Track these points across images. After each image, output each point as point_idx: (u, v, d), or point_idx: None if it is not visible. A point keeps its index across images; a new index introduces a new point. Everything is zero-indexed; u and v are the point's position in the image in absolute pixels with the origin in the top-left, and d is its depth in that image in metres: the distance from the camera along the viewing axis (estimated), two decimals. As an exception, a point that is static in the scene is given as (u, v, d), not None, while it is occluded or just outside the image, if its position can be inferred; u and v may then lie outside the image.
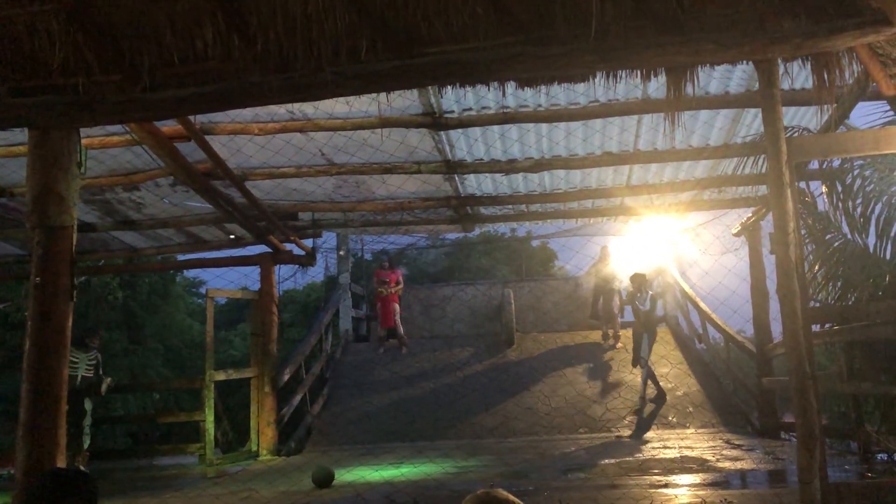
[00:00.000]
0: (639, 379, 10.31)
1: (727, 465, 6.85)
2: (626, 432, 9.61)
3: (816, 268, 7.05)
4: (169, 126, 6.70)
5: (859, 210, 6.49)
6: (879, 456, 6.72)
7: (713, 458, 7.20)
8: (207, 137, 7.26)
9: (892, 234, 6.31)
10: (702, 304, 11.33)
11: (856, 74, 5.05)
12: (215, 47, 4.85)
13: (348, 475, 7.35)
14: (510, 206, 9.37)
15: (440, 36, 4.84)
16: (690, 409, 10.29)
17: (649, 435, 9.43)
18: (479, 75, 4.88)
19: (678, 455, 7.54)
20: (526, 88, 5.58)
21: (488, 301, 13.78)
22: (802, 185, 7.16)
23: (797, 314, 4.59)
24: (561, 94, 6.46)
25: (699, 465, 6.88)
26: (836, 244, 6.91)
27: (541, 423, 10.23)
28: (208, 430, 9.06)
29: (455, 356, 12.47)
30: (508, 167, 7.97)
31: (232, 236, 9.85)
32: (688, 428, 9.79)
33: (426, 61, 4.84)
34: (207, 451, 9.03)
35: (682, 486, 5.85)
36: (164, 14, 4.79)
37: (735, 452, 7.63)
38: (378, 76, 4.82)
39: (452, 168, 8.01)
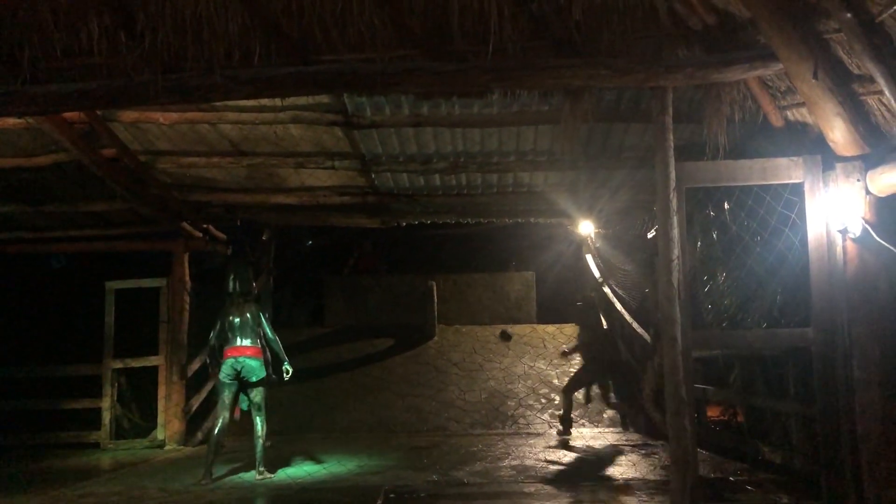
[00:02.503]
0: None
1: (621, 471, 6.98)
2: (547, 430, 9.74)
3: (728, 290, 7.18)
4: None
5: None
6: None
7: (613, 463, 7.32)
8: (110, 124, 7.05)
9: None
10: (617, 305, 11.46)
11: (748, 105, 5.14)
12: (101, 42, 4.68)
13: (249, 474, 7.27)
14: (428, 203, 9.32)
15: (336, 44, 4.77)
16: (603, 408, 10.46)
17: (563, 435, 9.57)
18: (375, 87, 4.83)
19: (578, 457, 7.67)
20: (435, 95, 5.54)
21: (411, 292, 13.72)
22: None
23: (677, 341, 4.69)
24: (475, 101, 6.41)
25: (595, 470, 7.01)
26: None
27: (456, 417, 10.30)
28: (104, 418, 8.93)
29: (375, 346, 12.45)
30: (423, 168, 7.93)
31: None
32: (597, 427, 9.97)
33: (321, 69, 4.77)
34: (102, 441, 8.93)
35: (566, 495, 5.99)
36: (45, 3, 4.60)
37: (634, 457, 7.76)
38: (271, 82, 4.72)
39: (367, 165, 7.93)
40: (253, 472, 7.06)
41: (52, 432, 9.58)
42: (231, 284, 7.32)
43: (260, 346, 7.13)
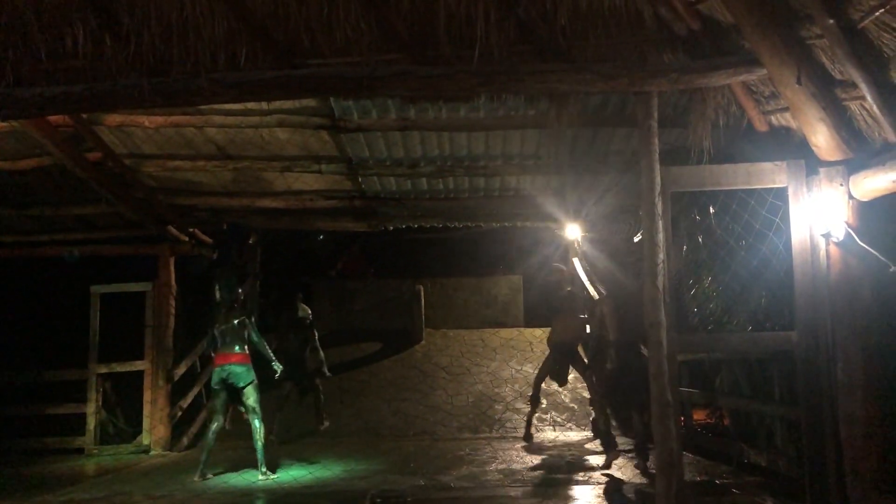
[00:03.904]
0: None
1: (607, 475, 6.99)
2: (534, 434, 9.72)
3: (714, 294, 7.23)
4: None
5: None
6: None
7: (601, 467, 7.33)
8: (96, 127, 7.02)
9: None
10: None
11: (733, 110, 5.17)
12: (86, 45, 4.66)
13: (235, 477, 7.26)
14: (416, 207, 9.32)
15: (323, 48, 4.78)
16: (591, 410, 10.47)
17: (549, 436, 9.57)
18: (362, 91, 4.82)
19: (566, 463, 7.67)
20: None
21: (398, 296, 13.72)
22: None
23: (662, 345, 4.71)
24: (461, 105, 6.41)
25: (583, 475, 7.01)
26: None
27: (443, 421, 10.30)
28: (88, 423, 8.94)
29: (362, 351, 12.44)
30: (411, 172, 7.93)
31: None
32: (584, 430, 9.97)
33: (308, 73, 4.77)
34: (87, 446, 8.94)
35: (553, 499, 6.00)
36: (28, 6, 4.57)
37: (621, 461, 7.76)
38: (258, 85, 4.70)
39: (354, 169, 7.93)
40: (250, 473, 7.20)
41: (36, 438, 9.49)
42: (216, 294, 7.48)
43: (246, 352, 7.30)
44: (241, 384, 7.16)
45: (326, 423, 9.59)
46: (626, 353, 6.84)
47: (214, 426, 7.25)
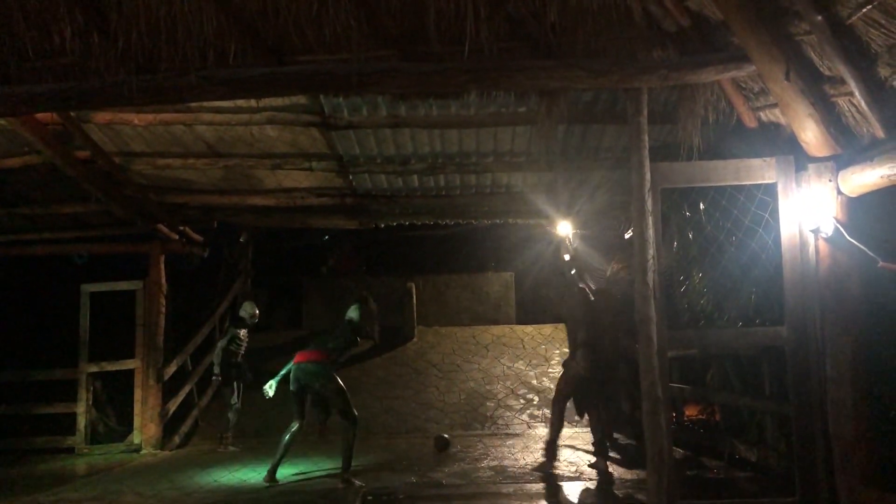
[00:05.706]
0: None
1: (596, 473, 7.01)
2: (525, 431, 9.74)
3: (705, 290, 7.24)
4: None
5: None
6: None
7: (589, 465, 7.36)
8: (85, 125, 6.98)
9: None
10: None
11: (722, 106, 5.18)
12: (74, 43, 4.64)
13: (226, 476, 7.25)
14: (407, 204, 9.30)
15: (312, 45, 4.78)
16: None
17: (541, 433, 9.57)
18: (351, 88, 4.80)
19: (556, 460, 7.68)
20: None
21: (390, 293, 13.70)
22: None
23: (652, 340, 4.72)
24: (452, 102, 6.41)
25: (572, 472, 7.03)
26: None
27: (435, 418, 10.31)
28: (79, 423, 8.95)
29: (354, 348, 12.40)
30: (402, 169, 7.92)
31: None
32: (576, 426, 9.99)
33: (297, 70, 4.75)
34: (77, 446, 8.95)
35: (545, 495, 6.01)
36: (15, 3, 4.54)
37: (614, 456, 7.79)
38: (247, 82, 4.68)
39: (345, 166, 7.91)
40: (241, 473, 7.19)
41: (27, 437, 9.46)
42: (356, 318, 7.38)
43: (323, 349, 6.90)
44: (315, 384, 6.73)
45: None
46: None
47: (294, 427, 6.90)
